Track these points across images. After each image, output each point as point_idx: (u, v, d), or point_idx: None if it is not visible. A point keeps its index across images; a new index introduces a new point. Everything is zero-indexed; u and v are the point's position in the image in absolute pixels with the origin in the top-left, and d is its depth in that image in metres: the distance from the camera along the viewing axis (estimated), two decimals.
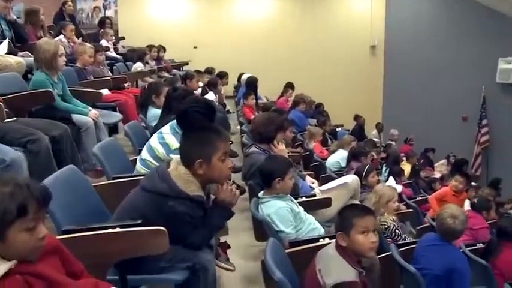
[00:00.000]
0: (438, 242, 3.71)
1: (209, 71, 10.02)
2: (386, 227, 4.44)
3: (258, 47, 12.96)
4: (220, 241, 3.60)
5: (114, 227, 2.25)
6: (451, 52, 12.42)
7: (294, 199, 3.63)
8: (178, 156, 2.62)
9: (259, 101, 9.43)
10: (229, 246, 3.72)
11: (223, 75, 9.70)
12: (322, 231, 3.36)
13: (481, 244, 4.95)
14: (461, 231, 3.65)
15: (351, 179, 4.80)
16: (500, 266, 4.53)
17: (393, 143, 11.16)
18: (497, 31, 11.86)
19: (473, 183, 10.20)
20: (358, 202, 4.10)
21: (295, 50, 13.02)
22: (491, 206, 5.93)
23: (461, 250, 3.80)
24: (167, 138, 3.60)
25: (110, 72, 6.88)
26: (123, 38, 11.51)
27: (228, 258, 3.74)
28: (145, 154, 3.63)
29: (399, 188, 5.90)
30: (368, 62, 13.64)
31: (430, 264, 3.61)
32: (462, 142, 12.32)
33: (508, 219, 5.43)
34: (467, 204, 6.58)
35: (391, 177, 7.00)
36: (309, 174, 5.46)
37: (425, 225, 5.61)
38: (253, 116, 6.65)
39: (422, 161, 10.86)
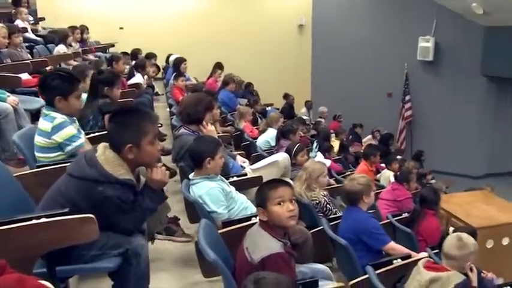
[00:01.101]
0: (350, 211, 3.94)
1: (135, 52, 9.76)
2: (317, 202, 4.56)
3: (186, 28, 12.74)
4: (169, 217, 3.67)
5: (39, 218, 2.15)
6: (375, 30, 12.82)
7: (225, 179, 3.64)
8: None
9: (188, 82, 9.34)
10: (178, 219, 3.86)
11: (151, 57, 9.50)
12: (254, 209, 3.39)
13: (406, 214, 5.22)
14: (359, 191, 3.82)
15: (281, 157, 4.87)
16: (423, 233, 4.80)
17: (322, 120, 11.42)
18: (416, 11, 12.35)
19: (398, 157, 10.68)
20: (288, 180, 4.16)
21: (223, 31, 12.92)
22: (412, 177, 6.24)
23: (368, 212, 3.96)
24: (40, 125, 3.46)
25: (29, 56, 6.56)
26: (43, 19, 10.94)
27: (183, 231, 3.89)
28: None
29: (327, 162, 6.06)
30: (296, 41, 13.79)
31: (343, 231, 3.80)
32: (388, 117, 12.81)
33: (429, 188, 5.72)
34: (391, 176, 6.87)
35: (319, 153, 7.17)
36: (240, 154, 5.48)
37: None
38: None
39: (350, 136, 11.18)
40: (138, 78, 7.55)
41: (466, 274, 3.08)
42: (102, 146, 2.54)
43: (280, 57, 13.42)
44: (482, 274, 4.25)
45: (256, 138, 6.99)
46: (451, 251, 3.01)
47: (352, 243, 3.70)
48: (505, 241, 5.48)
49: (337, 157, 8.16)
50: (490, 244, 5.36)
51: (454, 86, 12.49)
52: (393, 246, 3.78)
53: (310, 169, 4.69)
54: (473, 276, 3.12)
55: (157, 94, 9.29)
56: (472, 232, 4.10)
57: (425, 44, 12.29)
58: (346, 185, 3.96)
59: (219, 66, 9.46)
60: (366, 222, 3.82)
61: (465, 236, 3.14)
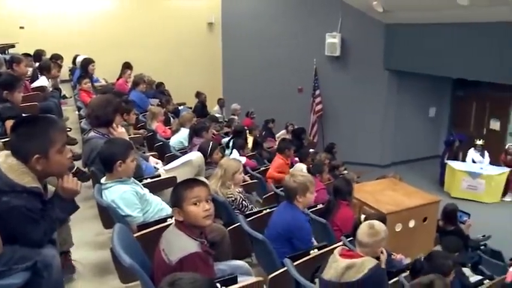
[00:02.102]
0: (284, 206, 3.97)
1: (39, 54, 9.26)
2: (233, 199, 4.58)
3: (94, 28, 12.19)
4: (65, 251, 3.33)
5: None
6: (284, 27, 13.06)
7: (138, 182, 3.57)
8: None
9: (97, 84, 9.03)
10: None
11: (57, 58, 9.07)
12: (169, 211, 3.35)
13: (320, 205, 5.38)
14: (294, 189, 3.84)
15: (194, 156, 4.85)
16: (338, 222, 4.98)
17: (235, 117, 11.45)
18: (323, 8, 12.76)
19: (311, 150, 10.97)
20: (202, 178, 4.14)
21: (133, 30, 12.56)
22: (324, 168, 6.44)
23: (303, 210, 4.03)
24: None
25: None
26: None
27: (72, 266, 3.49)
28: None
29: (243, 159, 6.11)
30: (207, 39, 13.73)
31: (275, 225, 3.85)
32: (300, 112, 13.11)
33: (342, 179, 5.92)
34: (304, 169, 7.05)
35: (234, 150, 7.21)
36: (153, 155, 5.40)
37: (270, 194, 5.87)
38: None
39: (264, 132, 11.33)
40: (42, 81, 7.19)
41: (378, 258, 3.22)
42: (3, 154, 2.39)
43: (191, 55, 13.31)
44: (392, 256, 4.49)
45: (169, 138, 6.91)
46: (364, 239, 3.13)
47: (280, 238, 3.75)
48: (412, 223, 5.82)
49: (251, 153, 8.23)
50: (398, 228, 5.67)
51: (360, 80, 13.06)
52: None
53: (225, 166, 4.70)
54: (383, 258, 3.28)
55: (64, 97, 8.89)
56: (382, 218, 4.32)
57: (332, 40, 12.74)
58: (285, 179, 3.98)
59: (127, 66, 9.22)
60: (298, 222, 3.84)
61: (377, 223, 3.27)
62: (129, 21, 12.57)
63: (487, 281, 4.97)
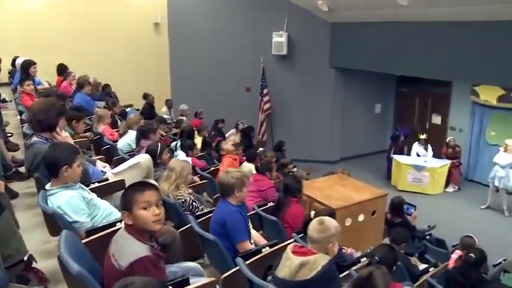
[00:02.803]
0: (220, 203, 4.00)
1: None
2: (183, 200, 4.56)
3: (35, 29, 11.71)
4: (20, 260, 3.11)
5: None
6: (231, 27, 13.04)
7: (85, 186, 3.48)
8: None
9: (40, 87, 8.75)
10: (31, 262, 3.24)
11: None
12: (118, 215, 3.29)
13: (271, 203, 5.42)
14: (232, 185, 3.86)
15: (143, 158, 4.78)
16: (288, 219, 5.03)
17: (184, 118, 11.35)
18: (269, 7, 12.84)
19: (261, 148, 11.03)
20: (152, 181, 4.10)
21: (77, 31, 12.16)
22: (273, 167, 6.49)
23: (234, 205, 4.03)
24: None
25: None
26: None
27: (43, 276, 3.28)
28: None
29: (189, 160, 6.09)
30: (153, 39, 13.53)
31: (213, 223, 3.88)
32: (248, 111, 13.12)
33: (291, 177, 5.99)
34: (252, 168, 7.09)
35: (180, 151, 7.15)
36: (101, 159, 5.28)
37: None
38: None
39: (213, 132, 11.30)
40: None
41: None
42: None
43: (138, 56, 13.08)
44: (343, 250, 4.58)
45: (117, 141, 6.77)
46: (314, 235, 3.16)
47: (220, 236, 3.75)
48: (361, 217, 5.96)
49: (201, 154, 8.20)
50: (348, 222, 5.79)
51: (307, 78, 13.22)
52: (245, 246, 3.81)
53: (179, 168, 4.67)
54: (334, 251, 3.33)
55: (4, 101, 8.56)
56: (331, 213, 4.39)
57: (279, 39, 12.84)
58: (221, 177, 3.97)
59: (61, 68, 8.93)
60: (232, 215, 3.86)
61: (327, 219, 3.30)
62: (72, 22, 12.19)
63: (432, 268, 5.18)
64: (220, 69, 13.20)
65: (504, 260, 6.79)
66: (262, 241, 4.12)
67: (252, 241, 3.99)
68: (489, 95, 11.45)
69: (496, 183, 10.03)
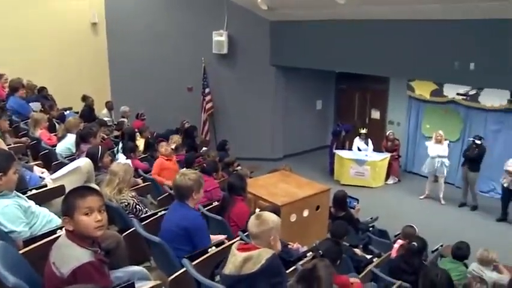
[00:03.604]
0: (178, 205, 3.92)
1: None
2: (126, 204, 4.48)
3: None
4: None
5: None
6: (171, 26, 12.84)
7: (21, 194, 3.35)
8: None
9: None
10: None
11: None
12: (59, 221, 3.18)
13: (216, 202, 5.42)
14: (190, 187, 3.82)
15: (83, 162, 4.65)
16: (234, 218, 5.05)
17: (125, 119, 11.13)
18: (209, 6, 12.78)
19: (204, 148, 10.98)
20: (93, 185, 4.00)
21: (9, 32, 11.64)
22: (219, 167, 6.47)
23: (199, 210, 4.02)
24: None
25: None
26: None
27: None
28: None
29: (129, 162, 5.99)
30: (91, 39, 13.11)
31: (170, 225, 3.80)
32: (191, 110, 13.00)
33: (235, 175, 6.00)
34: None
35: (120, 154, 7.01)
36: (38, 164, 5.10)
37: (165, 195, 5.80)
38: None
39: (155, 133, 11.14)
40: None
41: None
42: None
43: (75, 58, 12.61)
44: (289, 246, 4.64)
45: (55, 145, 6.54)
46: (253, 230, 3.18)
47: (178, 238, 3.71)
48: (305, 213, 6.05)
49: (143, 155, 8.07)
50: (293, 218, 5.87)
51: (249, 77, 13.27)
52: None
53: (121, 172, 4.58)
54: (277, 245, 3.37)
55: None
56: (276, 210, 4.44)
57: (219, 38, 12.81)
58: (177, 179, 3.90)
59: None
60: (196, 220, 3.83)
61: (265, 213, 3.32)
62: (4, 24, 11.65)
63: (376, 258, 5.33)
64: (161, 69, 13.00)
65: (441, 245, 7.13)
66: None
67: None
68: (423, 89, 11.91)
69: (435, 173, 10.49)
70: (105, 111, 11.72)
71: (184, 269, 3.33)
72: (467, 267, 5.77)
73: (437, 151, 10.31)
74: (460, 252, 5.80)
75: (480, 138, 9.82)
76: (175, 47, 12.86)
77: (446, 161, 10.29)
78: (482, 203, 10.19)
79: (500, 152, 10.49)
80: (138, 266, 3.20)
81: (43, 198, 3.69)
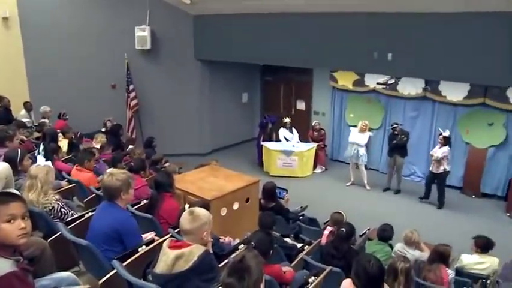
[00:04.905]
0: (107, 206, 3.83)
1: None
2: (50, 208, 4.32)
3: None
4: None
5: None
6: (91, 22, 12.37)
7: None
8: None
9: None
10: None
11: None
12: None
13: (144, 201, 5.35)
14: (118, 188, 3.76)
15: (0, 167, 4.44)
16: (163, 215, 5.01)
17: (46, 120, 10.67)
18: (130, 1, 12.46)
19: (131, 146, 10.77)
20: (13, 190, 3.81)
21: None
22: (146, 164, 6.37)
23: (124, 209, 3.93)
24: None
25: None
26: None
27: None
28: None
29: (49, 164, 5.77)
30: (2, 36, 12.44)
31: (100, 226, 3.71)
32: (116, 108, 12.66)
33: (162, 172, 5.94)
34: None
35: (39, 156, 6.71)
36: None
37: (91, 196, 5.64)
38: None
39: (79, 133, 10.79)
40: None
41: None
42: None
43: None
44: (220, 240, 4.66)
45: None
46: (187, 226, 3.18)
47: (109, 240, 3.63)
48: (236, 206, 6.09)
49: (67, 156, 7.80)
50: (224, 212, 5.89)
51: (174, 72, 13.10)
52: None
53: (42, 175, 4.41)
54: (209, 241, 3.39)
55: None
56: (205, 205, 4.45)
57: (142, 33, 12.52)
58: (105, 180, 3.81)
59: None
60: (127, 221, 3.77)
61: (197, 209, 3.34)
62: None
63: (307, 246, 5.48)
64: (83, 67, 12.53)
65: (368, 229, 7.44)
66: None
67: None
68: (346, 80, 12.29)
69: (355, 161, 10.88)
70: (23, 112, 11.16)
71: (114, 271, 3.26)
72: (392, 248, 6.07)
73: (356, 138, 10.77)
74: (385, 234, 6.11)
75: (399, 125, 10.35)
76: (96, 43, 12.43)
77: (362, 150, 10.73)
78: (404, 186, 10.74)
79: (418, 136, 11.13)
80: (66, 272, 3.10)
81: None
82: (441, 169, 9.49)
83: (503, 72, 7.89)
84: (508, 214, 9.39)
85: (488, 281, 5.30)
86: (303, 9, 10.06)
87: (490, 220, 9.06)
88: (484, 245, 5.68)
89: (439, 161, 9.44)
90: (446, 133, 9.59)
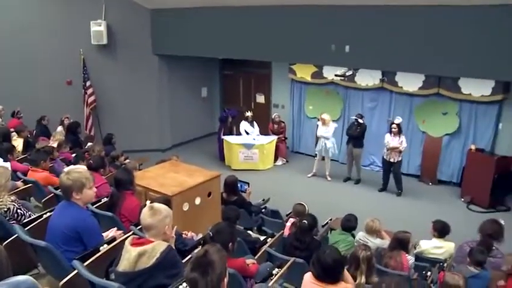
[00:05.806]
0: (66, 205, 3.75)
1: None
2: (6, 209, 4.21)
3: None
4: None
5: None
6: (43, 17, 12.04)
7: None
8: None
9: None
10: None
11: None
12: None
13: (105, 199, 5.27)
14: (69, 187, 3.67)
15: None
16: (125, 213, 4.96)
17: None
18: None
19: (89, 144, 10.55)
20: None
21: None
22: (106, 162, 6.26)
23: (83, 208, 3.85)
24: None
25: None
26: None
27: None
28: None
29: (7, 164, 5.62)
30: None
31: (58, 226, 3.63)
32: (73, 106, 12.36)
33: (122, 170, 5.86)
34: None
35: None
36: None
37: (50, 196, 5.52)
38: None
39: (35, 131, 10.52)
40: None
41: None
42: None
43: None
44: (183, 235, 4.64)
45: None
46: (147, 221, 3.16)
47: (68, 240, 3.56)
48: (197, 201, 6.07)
49: (22, 156, 7.59)
50: (186, 207, 5.86)
51: (131, 67, 12.87)
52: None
53: None
54: (172, 236, 3.38)
55: None
56: (166, 200, 4.43)
57: (98, 28, 12.22)
58: (60, 178, 3.73)
59: None
60: (86, 220, 3.69)
61: (156, 204, 3.33)
62: None
63: (270, 239, 5.52)
64: (37, 63, 12.13)
65: (330, 219, 7.54)
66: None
67: None
68: (304, 72, 12.38)
69: (324, 154, 11.01)
70: None
71: (76, 271, 3.20)
72: (354, 237, 6.18)
73: (321, 132, 10.90)
74: (349, 224, 6.22)
75: (362, 117, 10.53)
76: (50, 38, 12.06)
77: (329, 143, 10.86)
78: (364, 176, 10.94)
79: (377, 127, 11.35)
80: (24, 275, 3.00)
81: None
82: (400, 157, 9.73)
83: (456, 62, 8.15)
84: (463, 199, 9.71)
85: (445, 265, 5.47)
86: (260, 2, 10.08)
87: (446, 206, 9.37)
88: (441, 229, 5.86)
89: (400, 151, 9.66)
90: (399, 120, 9.79)
